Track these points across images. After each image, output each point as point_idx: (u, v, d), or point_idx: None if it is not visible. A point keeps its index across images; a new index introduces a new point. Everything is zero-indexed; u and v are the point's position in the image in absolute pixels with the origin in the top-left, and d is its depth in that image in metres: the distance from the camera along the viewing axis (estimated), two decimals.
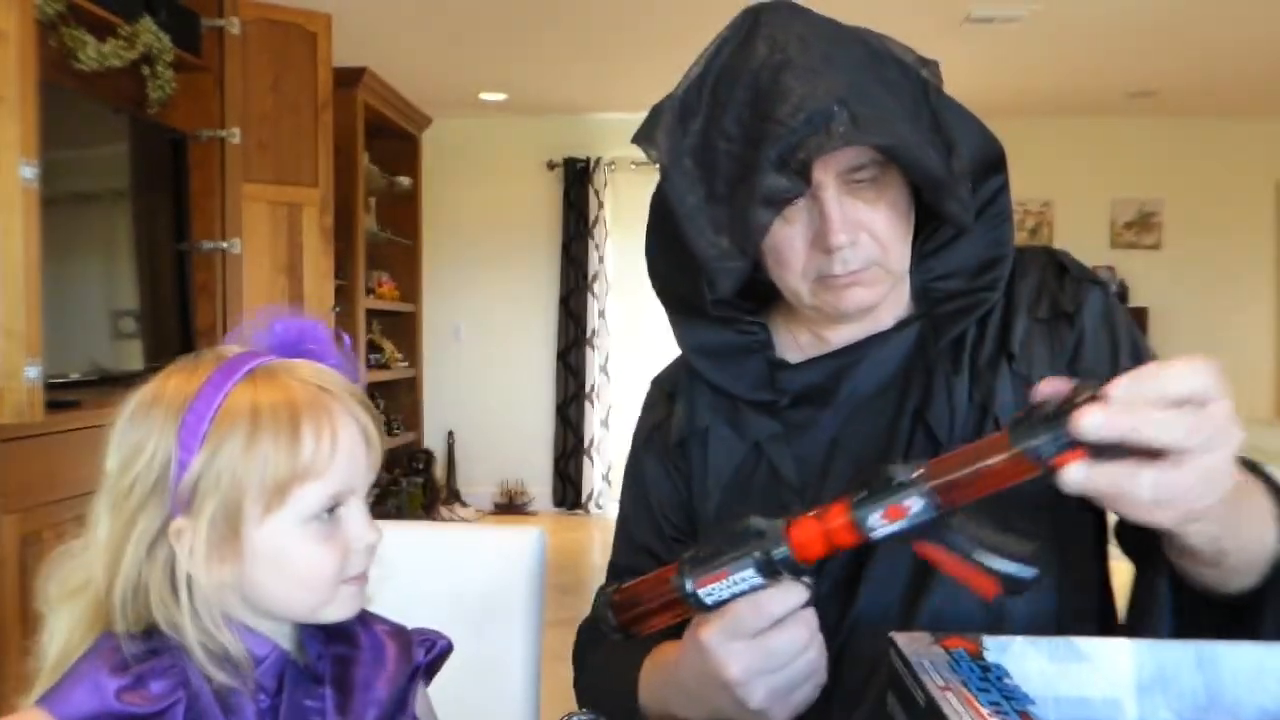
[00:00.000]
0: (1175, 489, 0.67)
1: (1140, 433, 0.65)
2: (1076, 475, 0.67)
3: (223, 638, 0.70)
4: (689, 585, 0.77)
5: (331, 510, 0.72)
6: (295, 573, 0.71)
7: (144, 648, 0.69)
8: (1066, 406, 0.68)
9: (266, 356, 0.75)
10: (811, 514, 0.77)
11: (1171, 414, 0.65)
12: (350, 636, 0.78)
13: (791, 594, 0.77)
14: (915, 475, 0.73)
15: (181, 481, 0.69)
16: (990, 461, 0.71)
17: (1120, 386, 0.66)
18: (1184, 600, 0.86)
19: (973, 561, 0.72)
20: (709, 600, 0.77)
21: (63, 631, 0.72)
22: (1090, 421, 0.65)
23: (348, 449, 0.72)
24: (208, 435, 0.69)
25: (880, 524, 0.73)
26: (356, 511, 0.74)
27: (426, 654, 0.82)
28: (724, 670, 0.77)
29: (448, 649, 0.84)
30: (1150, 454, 0.66)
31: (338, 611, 0.74)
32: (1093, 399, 0.67)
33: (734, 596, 0.77)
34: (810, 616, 0.79)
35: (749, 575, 0.76)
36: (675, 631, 0.86)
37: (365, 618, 0.80)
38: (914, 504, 0.73)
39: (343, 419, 0.72)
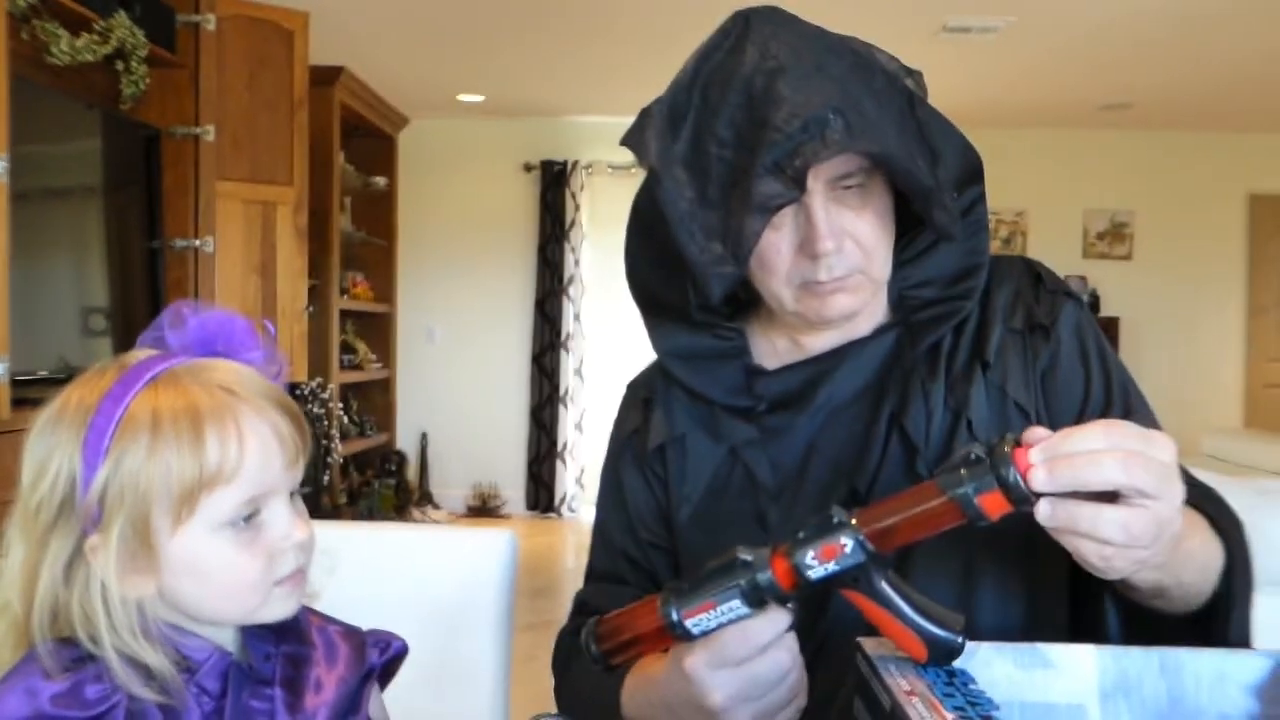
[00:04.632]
0: (1135, 529, 0.70)
1: (1084, 476, 0.69)
2: (1044, 511, 0.71)
3: (145, 654, 0.67)
4: (675, 615, 0.78)
5: (252, 515, 0.71)
6: (218, 581, 0.70)
7: (74, 654, 0.68)
8: (990, 452, 0.71)
9: (175, 359, 0.72)
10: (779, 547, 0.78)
11: (1121, 456, 0.69)
12: (302, 635, 0.77)
13: (777, 621, 0.77)
14: (848, 517, 0.75)
15: (87, 497, 0.67)
16: (917, 505, 0.73)
17: (1039, 448, 0.70)
18: (1131, 618, 0.88)
19: (905, 620, 0.74)
20: (696, 630, 0.78)
21: None
22: (1037, 477, 0.69)
23: (258, 452, 0.70)
24: (109, 449, 0.67)
25: (814, 564, 0.74)
26: (279, 512, 0.72)
27: (381, 655, 0.81)
28: (708, 698, 0.77)
29: (402, 651, 0.83)
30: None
31: (273, 613, 0.73)
32: (1017, 444, 0.71)
33: (720, 626, 0.77)
34: (792, 641, 0.79)
35: (735, 606, 0.76)
36: None
37: (318, 618, 0.79)
38: (846, 544, 0.74)
39: (250, 421, 0.70)
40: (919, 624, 0.73)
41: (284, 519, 0.72)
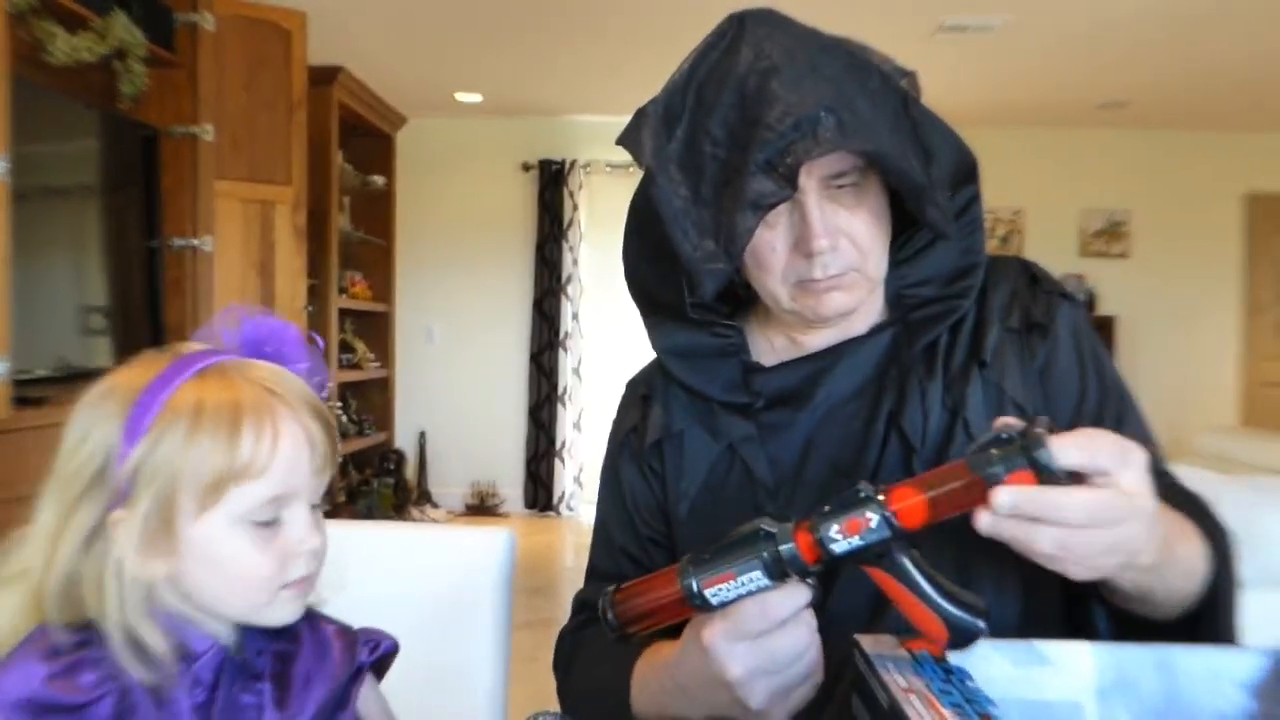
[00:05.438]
0: (1078, 550, 0.72)
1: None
2: (984, 521, 0.72)
3: (145, 633, 0.69)
4: (695, 585, 0.78)
5: (274, 518, 0.73)
6: (229, 573, 0.72)
7: (77, 639, 0.70)
8: (1023, 434, 0.72)
9: (226, 355, 0.75)
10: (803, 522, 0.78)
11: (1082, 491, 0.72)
12: (293, 634, 0.79)
13: (796, 595, 0.78)
14: (875, 493, 0.75)
15: (120, 472, 0.70)
16: (946, 484, 0.73)
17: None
18: (1120, 625, 0.89)
19: (927, 601, 0.74)
20: (715, 601, 0.78)
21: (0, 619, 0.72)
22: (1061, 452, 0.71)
23: (288, 452, 0.72)
24: (150, 428, 0.70)
25: (837, 537, 0.74)
26: (299, 516, 0.74)
27: (371, 653, 0.82)
28: (726, 671, 0.78)
29: (392, 649, 0.84)
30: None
31: (277, 615, 0.75)
32: (1047, 433, 0.71)
33: (739, 598, 0.77)
34: (810, 617, 0.79)
35: (756, 577, 0.76)
36: (666, 632, 0.86)
37: (312, 617, 0.80)
38: (871, 519, 0.74)
39: (287, 423, 0.72)
40: (941, 606, 0.73)
41: (302, 524, 0.74)
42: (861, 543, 0.74)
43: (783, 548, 0.76)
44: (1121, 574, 0.77)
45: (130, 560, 0.70)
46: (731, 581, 0.77)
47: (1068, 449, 0.71)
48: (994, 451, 0.72)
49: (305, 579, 0.75)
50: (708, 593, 0.78)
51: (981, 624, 0.73)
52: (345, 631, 0.82)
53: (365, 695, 0.81)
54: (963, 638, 0.73)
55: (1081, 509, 0.71)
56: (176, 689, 0.70)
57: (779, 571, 0.76)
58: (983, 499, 0.72)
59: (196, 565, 0.71)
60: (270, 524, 0.73)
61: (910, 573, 0.74)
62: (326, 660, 0.79)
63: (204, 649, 0.73)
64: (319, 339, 0.83)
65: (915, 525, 0.74)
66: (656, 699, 0.90)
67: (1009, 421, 0.74)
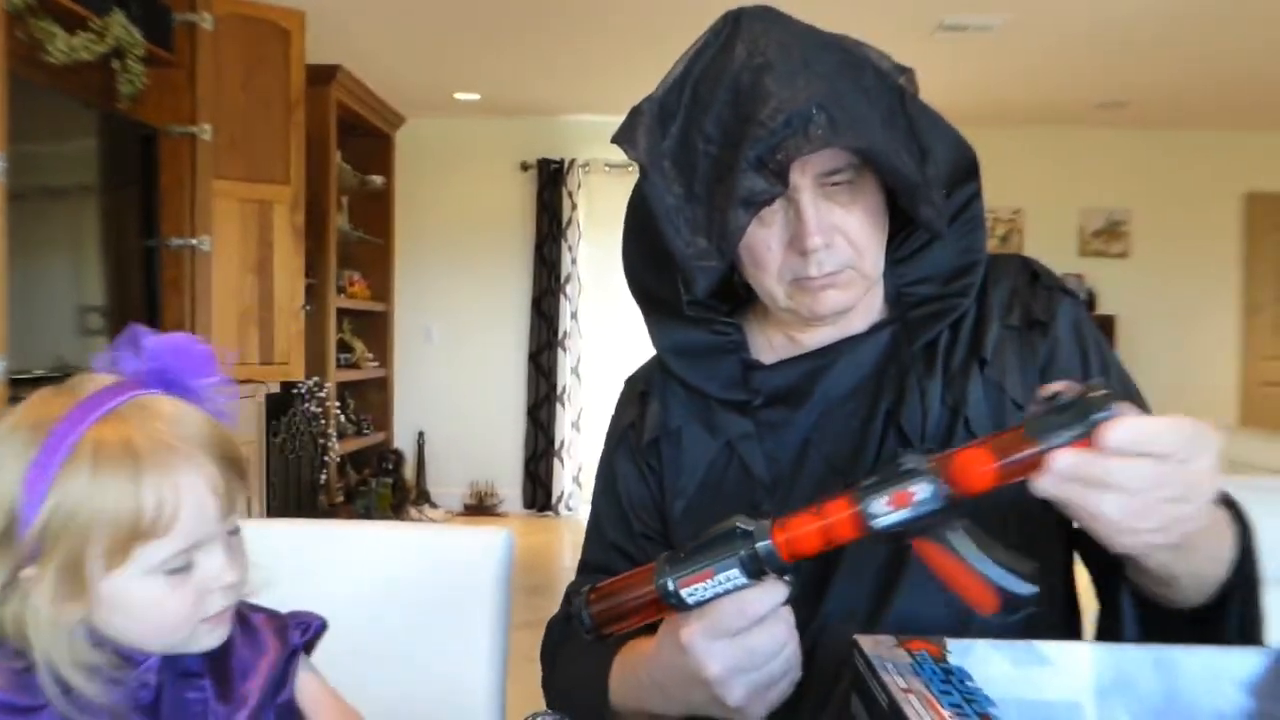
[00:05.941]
0: (1138, 519, 0.69)
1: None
2: (1044, 483, 0.69)
3: (74, 678, 0.69)
4: (671, 584, 0.78)
5: (186, 564, 0.72)
6: (145, 618, 0.72)
7: (19, 653, 0.71)
8: (1082, 401, 0.69)
9: (125, 394, 0.73)
10: (808, 509, 0.77)
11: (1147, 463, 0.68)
12: None
13: (774, 593, 0.78)
14: (924, 464, 0.73)
15: (26, 534, 0.69)
16: (1006, 455, 0.71)
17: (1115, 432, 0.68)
18: (1147, 612, 0.88)
19: (974, 570, 0.72)
20: (691, 600, 0.77)
21: None
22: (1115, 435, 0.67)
23: (193, 506, 0.71)
24: (51, 489, 0.69)
25: (884, 511, 0.73)
26: (214, 556, 0.74)
27: (303, 635, 0.83)
28: (704, 669, 0.78)
29: (322, 628, 0.85)
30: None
31: (199, 645, 0.75)
32: (1108, 395, 0.69)
33: (716, 596, 0.77)
34: (788, 614, 0.79)
35: (734, 575, 0.76)
36: (644, 627, 0.86)
37: (241, 609, 0.81)
38: (920, 491, 0.72)
39: (187, 477, 0.71)
40: (991, 574, 0.72)
41: (217, 563, 0.74)
42: (911, 515, 0.72)
43: (759, 545, 0.75)
44: (1154, 554, 0.75)
45: (45, 609, 0.69)
46: (709, 580, 0.77)
47: (1122, 428, 0.68)
48: (1054, 418, 0.70)
49: (223, 611, 0.75)
50: (684, 592, 0.77)
51: (1031, 589, 0.71)
52: (274, 617, 0.83)
53: (301, 674, 0.83)
54: (1014, 605, 0.72)
55: (1144, 477, 0.68)
56: (119, 694, 0.71)
57: (756, 570, 0.76)
58: (1041, 464, 0.70)
59: (111, 612, 0.71)
60: (183, 569, 0.72)
61: (959, 545, 0.73)
62: (260, 648, 0.80)
63: (143, 657, 0.74)
64: (230, 354, 0.82)
65: (965, 496, 0.72)
66: (634, 695, 0.91)
67: (1062, 386, 0.72)
